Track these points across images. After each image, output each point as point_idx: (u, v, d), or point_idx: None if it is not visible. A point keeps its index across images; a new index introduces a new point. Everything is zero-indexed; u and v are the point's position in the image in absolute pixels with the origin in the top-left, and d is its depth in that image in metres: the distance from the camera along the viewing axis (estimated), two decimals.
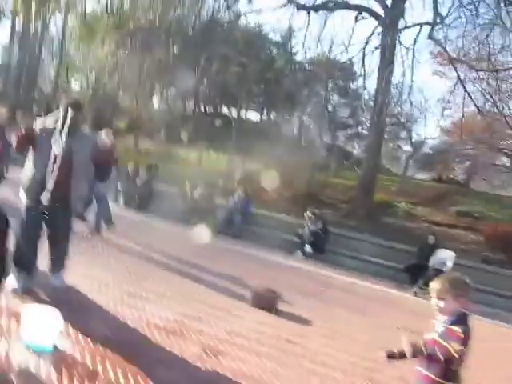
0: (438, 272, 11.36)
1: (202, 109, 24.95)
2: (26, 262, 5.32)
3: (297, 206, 16.04)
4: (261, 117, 28.47)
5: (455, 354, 3.12)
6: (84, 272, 6.58)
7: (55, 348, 4.15)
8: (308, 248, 12.84)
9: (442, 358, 3.15)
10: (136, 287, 6.53)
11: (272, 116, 27.26)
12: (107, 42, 20.51)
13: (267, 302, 6.98)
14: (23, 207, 5.37)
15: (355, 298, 9.38)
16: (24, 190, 5.34)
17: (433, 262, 11.71)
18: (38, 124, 5.37)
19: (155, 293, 6.48)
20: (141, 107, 21.41)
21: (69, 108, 5.34)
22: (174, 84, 19.67)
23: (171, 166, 17.89)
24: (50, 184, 5.20)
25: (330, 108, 22.27)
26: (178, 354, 4.67)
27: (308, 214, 13.60)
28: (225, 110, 26.68)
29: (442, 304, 3.27)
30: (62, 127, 5.29)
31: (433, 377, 3.24)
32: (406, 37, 27.05)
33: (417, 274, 11.63)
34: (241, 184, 16.68)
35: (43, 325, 4.13)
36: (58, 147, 5.22)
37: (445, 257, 11.78)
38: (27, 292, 5.17)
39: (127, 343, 4.65)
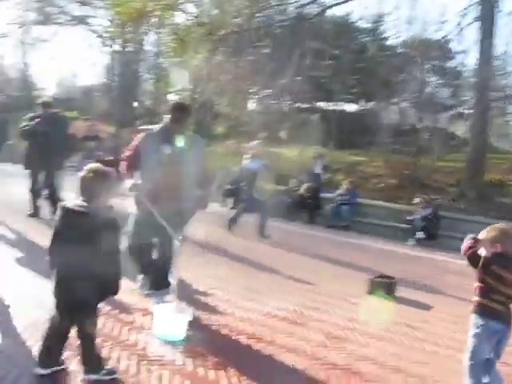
0: None
1: (298, 105, 25.08)
2: (145, 267, 5.46)
3: (404, 193, 15.74)
4: (358, 107, 28.15)
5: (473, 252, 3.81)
6: (203, 272, 6.91)
7: (186, 339, 4.45)
8: (420, 234, 12.60)
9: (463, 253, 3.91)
10: (254, 282, 6.77)
11: (369, 105, 26.87)
12: (200, 51, 21.14)
13: (384, 288, 6.98)
14: (135, 218, 5.25)
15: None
16: (135, 200, 5.17)
17: None
18: (144, 133, 5.23)
19: (273, 286, 6.69)
20: (238, 111, 21.86)
21: (173, 110, 5.11)
22: (268, 84, 19.90)
23: (273, 165, 18.12)
24: (162, 194, 4.97)
25: (428, 90, 21.66)
26: (302, 341, 4.83)
27: (417, 199, 13.34)
28: (321, 104, 26.63)
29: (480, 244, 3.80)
30: (168, 131, 5.07)
31: (478, 299, 3.89)
32: (507, 2, 25.38)
33: None
34: (346, 176, 16.64)
35: (174, 318, 4.45)
36: (165, 154, 5.01)
37: None
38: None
39: (251, 333, 4.87)
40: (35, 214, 8.86)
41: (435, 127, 20.49)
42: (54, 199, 8.71)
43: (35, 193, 9.02)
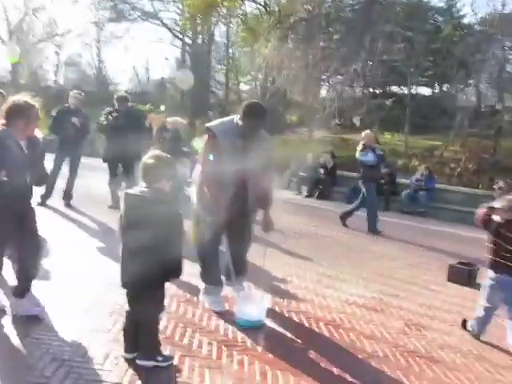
0: None
1: (372, 90, 24.66)
2: (213, 276, 4.96)
3: (483, 178, 15.21)
4: (433, 90, 27.39)
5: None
6: (281, 259, 6.95)
7: (266, 325, 4.52)
8: None
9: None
10: (332, 270, 6.74)
11: (445, 88, 26.08)
12: (270, 39, 21.12)
13: (464, 275, 6.79)
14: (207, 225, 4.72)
15: None
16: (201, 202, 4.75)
17: None
18: (216, 127, 4.74)
19: (351, 274, 6.65)
20: (310, 98, 21.71)
21: (248, 115, 4.60)
22: (341, 70, 19.65)
23: (347, 152, 17.95)
24: (230, 195, 4.66)
25: (509, 69, 20.76)
26: (381, 328, 4.78)
27: (498, 184, 12.85)
28: (394, 88, 26.09)
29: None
30: (240, 133, 4.65)
31: (491, 257, 4.66)
32: None
33: None
34: (422, 161, 16.24)
35: (254, 304, 4.51)
36: (236, 155, 4.60)
37: None
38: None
39: (330, 320, 4.87)
40: (115, 205, 9.15)
41: None
42: None
43: (114, 185, 9.32)
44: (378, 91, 25.35)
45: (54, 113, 9.35)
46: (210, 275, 4.92)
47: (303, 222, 10.43)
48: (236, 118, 4.73)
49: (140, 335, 3.58)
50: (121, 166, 9.35)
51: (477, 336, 4.77)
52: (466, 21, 24.04)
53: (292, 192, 15.27)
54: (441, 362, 4.20)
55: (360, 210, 10.13)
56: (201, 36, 31.92)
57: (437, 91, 27.11)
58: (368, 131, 10.37)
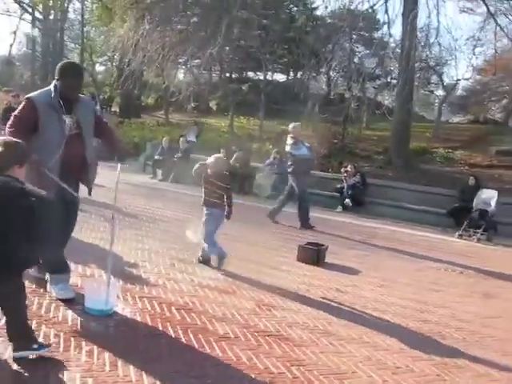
0: (483, 212, 11.28)
1: (228, 75, 24.89)
2: (57, 263, 4.63)
3: (333, 161, 16.03)
4: (287, 77, 28.25)
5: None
6: (133, 244, 6.81)
7: (114, 312, 4.38)
8: (348, 201, 12.88)
9: None
10: (186, 254, 6.72)
11: (298, 75, 27.03)
12: (127, 19, 20.52)
13: (313, 255, 7.10)
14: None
15: (400, 245, 9.39)
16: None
17: (476, 203, 11.57)
18: (33, 94, 4.47)
19: None
20: (167, 81, 21.48)
21: (65, 74, 4.44)
22: (198, 54, 19.61)
23: (203, 136, 18.02)
24: (59, 169, 4.37)
25: (356, 60, 21.96)
26: (233, 310, 4.85)
27: (345, 168, 13.62)
28: (251, 74, 26.56)
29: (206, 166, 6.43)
30: (61, 98, 4.42)
31: (205, 197, 6.38)
32: None
33: (461, 216, 11.56)
34: (276, 145, 16.70)
35: (103, 292, 4.35)
36: (57, 117, 4.38)
37: (488, 197, 11.63)
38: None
39: (182, 304, 4.85)
40: None
41: (363, 96, 20.86)
42: None
43: None
44: (234, 76, 25.65)
45: None
46: (53, 263, 4.62)
47: (157, 205, 10.33)
48: (54, 82, 4.51)
49: (8, 328, 3.39)
50: None
51: (207, 261, 6.34)
52: (318, 13, 25.01)
53: (147, 175, 15.07)
54: (289, 340, 4.35)
55: (287, 204, 10.08)
56: (53, 11, 30.21)
57: (291, 78, 28.01)
58: (297, 124, 9.98)
